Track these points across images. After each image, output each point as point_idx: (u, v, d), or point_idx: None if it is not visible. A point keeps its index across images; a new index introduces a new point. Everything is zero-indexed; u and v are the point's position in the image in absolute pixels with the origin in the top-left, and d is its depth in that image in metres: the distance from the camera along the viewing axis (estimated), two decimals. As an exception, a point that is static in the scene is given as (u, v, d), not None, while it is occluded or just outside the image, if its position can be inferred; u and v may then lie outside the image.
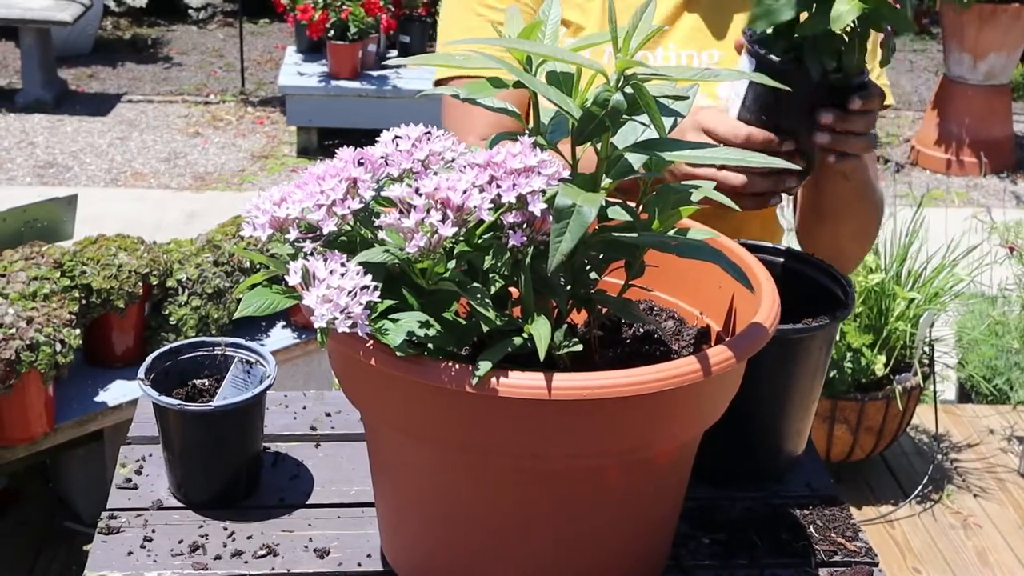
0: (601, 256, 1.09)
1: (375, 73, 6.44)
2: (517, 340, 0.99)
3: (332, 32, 6.21)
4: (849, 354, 3.31)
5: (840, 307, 1.37)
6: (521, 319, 1.01)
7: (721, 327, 1.22)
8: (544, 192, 0.96)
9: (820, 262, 1.44)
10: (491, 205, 0.95)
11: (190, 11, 9.22)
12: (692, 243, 1.06)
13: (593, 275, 1.09)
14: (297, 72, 6.48)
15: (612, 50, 1.01)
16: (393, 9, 6.30)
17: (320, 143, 6.51)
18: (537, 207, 0.95)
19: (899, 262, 3.49)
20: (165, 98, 7.35)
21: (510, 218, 0.97)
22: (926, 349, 3.40)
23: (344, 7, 6.11)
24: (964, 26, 6.22)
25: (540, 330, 0.97)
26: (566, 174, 0.97)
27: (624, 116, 1.00)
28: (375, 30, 6.33)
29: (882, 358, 3.30)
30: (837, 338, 3.27)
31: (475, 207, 0.94)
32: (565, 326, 1.07)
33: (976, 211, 4.66)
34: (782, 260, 1.44)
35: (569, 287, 1.07)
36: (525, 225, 0.98)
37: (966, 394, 4.01)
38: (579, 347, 1.04)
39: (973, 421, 3.82)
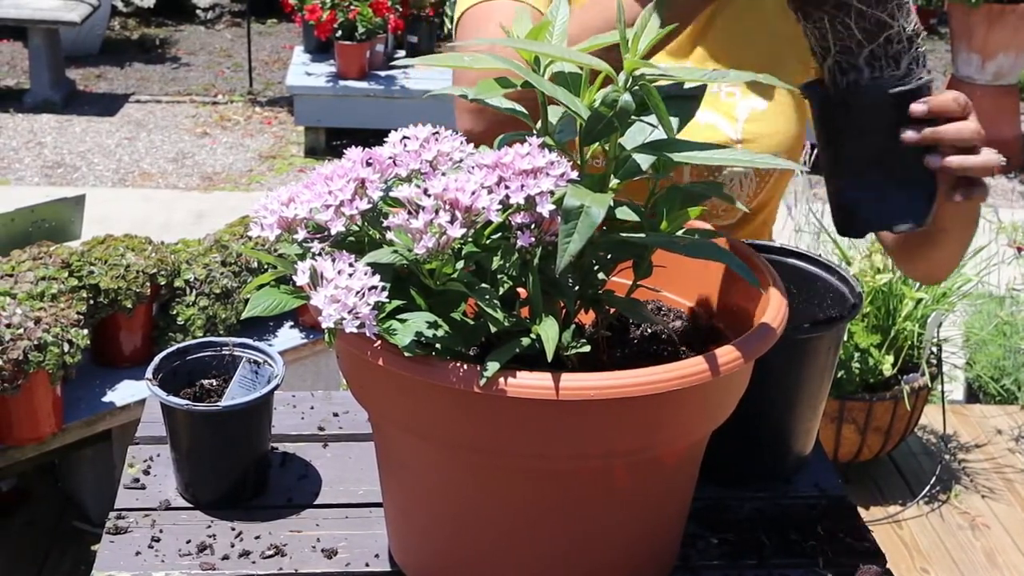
0: (609, 256, 1.09)
1: (383, 73, 6.44)
2: (525, 341, 0.99)
3: (340, 32, 6.21)
4: (857, 354, 3.31)
5: (848, 307, 1.37)
6: (529, 319, 1.01)
7: (730, 327, 1.22)
8: (552, 193, 0.96)
9: (828, 262, 1.44)
10: (499, 206, 0.95)
11: (198, 11, 9.23)
12: (700, 243, 1.06)
13: (601, 275, 1.09)
14: (305, 72, 6.48)
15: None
16: (401, 9, 6.30)
17: (328, 143, 6.52)
18: (545, 208, 0.95)
19: (907, 262, 3.48)
20: (173, 98, 7.36)
21: (518, 219, 0.97)
22: (934, 349, 3.39)
23: (352, 7, 6.11)
24: (972, 26, 6.21)
25: (548, 331, 0.97)
26: (574, 175, 0.97)
27: (632, 116, 1.00)
28: (383, 30, 6.33)
29: (890, 358, 3.30)
30: (845, 338, 3.27)
31: (484, 208, 0.94)
32: (573, 326, 1.07)
33: (984, 211, 4.65)
34: (790, 260, 1.44)
35: (577, 287, 1.07)
36: (533, 226, 0.98)
37: (974, 394, 4.01)
38: (587, 348, 1.04)
39: (981, 421, 3.81)
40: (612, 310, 1.13)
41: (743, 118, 1.57)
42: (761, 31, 1.58)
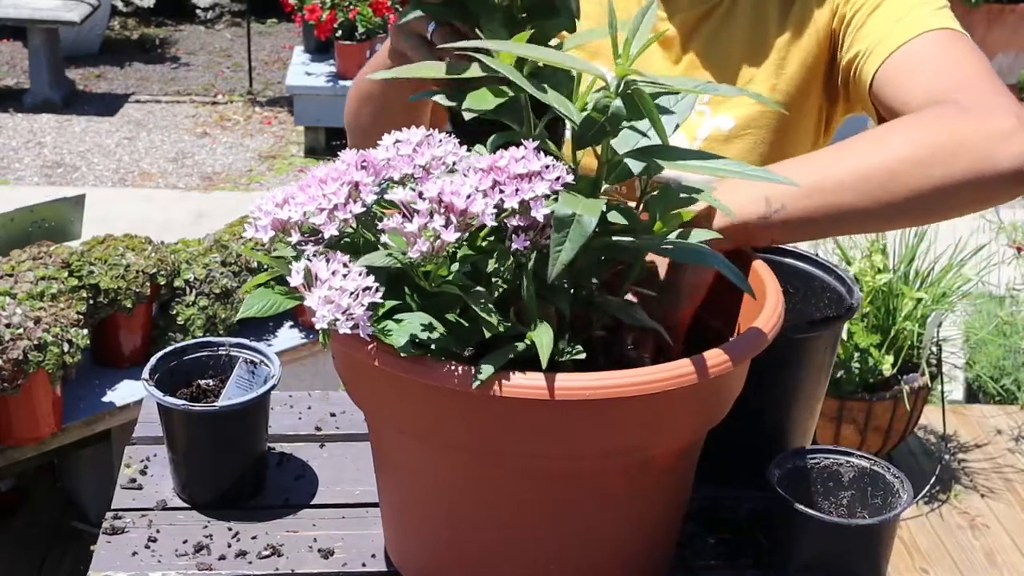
0: (602, 259, 1.09)
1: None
2: (520, 346, 0.99)
3: (340, 32, 6.21)
4: (857, 354, 3.31)
5: (845, 307, 1.37)
6: (523, 324, 1.01)
7: (728, 328, 1.22)
8: (548, 197, 0.96)
9: (825, 261, 1.44)
10: (494, 210, 0.95)
11: (198, 11, 9.23)
12: (693, 248, 1.06)
13: (594, 278, 1.09)
14: (305, 72, 6.49)
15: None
16: (400, 8, 6.29)
17: (328, 143, 6.52)
18: (540, 212, 0.95)
19: (907, 262, 3.48)
20: (173, 98, 7.36)
21: (513, 222, 0.97)
22: (934, 349, 3.39)
23: (352, 7, 6.11)
24: (972, 26, 6.22)
25: (542, 338, 0.97)
26: (569, 178, 0.97)
27: (624, 122, 1.00)
28: (383, 30, 6.34)
29: (890, 358, 3.30)
30: (845, 338, 3.27)
31: (479, 213, 0.94)
32: (567, 334, 1.06)
33: (984, 211, 4.64)
34: (787, 260, 1.44)
35: (571, 291, 1.07)
36: (529, 230, 0.98)
37: (974, 394, 4.01)
38: (582, 355, 1.04)
39: (981, 421, 3.81)
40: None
41: (702, 137, 1.55)
42: (737, 41, 1.56)
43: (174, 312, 2.80)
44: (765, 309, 1.09)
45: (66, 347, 2.43)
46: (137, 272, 2.68)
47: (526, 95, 1.03)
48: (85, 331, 2.50)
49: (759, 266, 1.18)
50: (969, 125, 1.23)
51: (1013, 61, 6.30)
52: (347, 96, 1.65)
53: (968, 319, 3.96)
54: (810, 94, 1.54)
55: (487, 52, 1.01)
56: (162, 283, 2.75)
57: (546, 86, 1.01)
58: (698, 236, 1.07)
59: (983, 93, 1.31)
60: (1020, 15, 6.12)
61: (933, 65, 1.38)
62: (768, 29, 1.53)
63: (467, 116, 1.05)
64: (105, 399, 2.74)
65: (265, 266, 2.79)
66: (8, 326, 2.36)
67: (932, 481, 3.42)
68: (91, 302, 2.62)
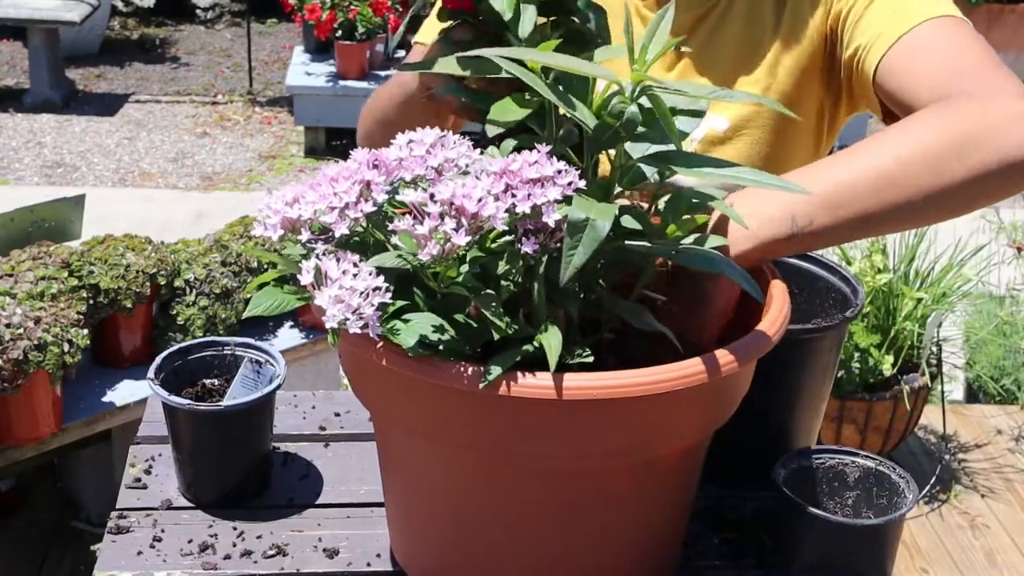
0: (612, 263, 1.08)
1: (383, 73, 6.44)
2: (528, 348, 0.99)
3: (340, 32, 6.21)
4: (857, 354, 3.31)
5: (849, 307, 1.37)
6: (532, 326, 1.01)
7: (735, 329, 1.22)
8: (560, 202, 0.96)
9: (830, 262, 1.44)
10: (506, 214, 0.95)
11: (198, 11, 9.23)
12: (703, 254, 1.06)
13: (603, 282, 1.09)
14: (305, 72, 6.48)
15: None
16: (401, 9, 6.30)
17: (328, 143, 6.52)
18: (552, 218, 0.95)
19: (907, 262, 3.48)
20: (173, 98, 7.36)
21: (524, 225, 0.97)
22: (934, 349, 3.39)
23: (352, 7, 6.11)
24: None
25: (551, 340, 0.97)
26: (582, 184, 0.97)
27: (639, 127, 1.00)
28: (383, 30, 6.34)
29: (890, 358, 3.30)
30: (845, 338, 3.27)
31: (490, 216, 0.94)
32: (576, 337, 1.06)
33: (984, 211, 4.64)
34: (792, 260, 1.44)
35: (582, 294, 1.07)
36: (540, 233, 0.97)
37: (974, 394, 4.01)
38: (590, 358, 1.04)
39: (981, 421, 3.81)
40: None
41: (698, 138, 1.54)
42: (732, 41, 1.55)
43: (174, 312, 2.80)
44: (771, 310, 1.09)
45: (66, 347, 2.42)
46: (137, 272, 2.68)
47: (549, 101, 1.03)
48: (85, 331, 2.50)
49: (766, 268, 1.18)
50: (975, 117, 1.22)
51: (1013, 61, 6.30)
52: (360, 115, 1.64)
53: (968, 319, 3.96)
54: (806, 94, 1.53)
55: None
56: (162, 283, 2.75)
57: (563, 91, 1.01)
58: (711, 243, 1.07)
59: (988, 79, 1.30)
60: (1020, 15, 6.12)
61: (936, 53, 1.36)
62: (763, 29, 1.53)
63: (490, 128, 1.05)
64: (105, 399, 2.73)
65: (266, 265, 2.80)
66: (8, 326, 2.35)
67: (932, 481, 3.42)
68: (91, 302, 2.61)
